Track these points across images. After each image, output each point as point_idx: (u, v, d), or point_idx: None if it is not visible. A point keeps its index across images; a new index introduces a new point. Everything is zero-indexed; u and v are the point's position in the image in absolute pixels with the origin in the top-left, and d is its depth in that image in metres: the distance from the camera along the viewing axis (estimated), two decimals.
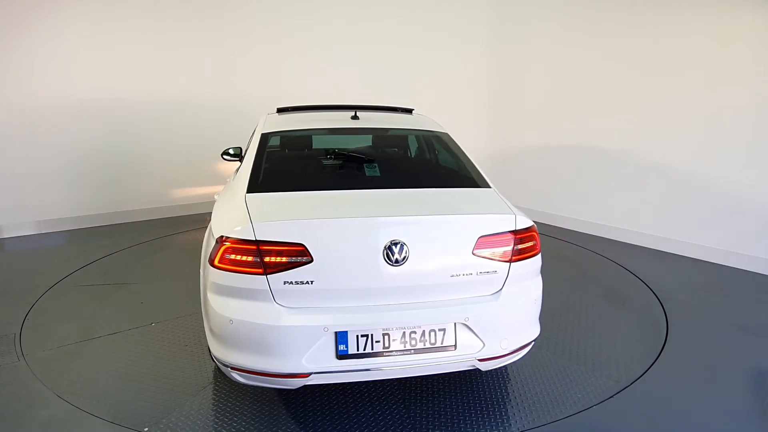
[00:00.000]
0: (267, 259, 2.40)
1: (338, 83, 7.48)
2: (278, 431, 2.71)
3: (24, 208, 6.12)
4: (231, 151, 4.28)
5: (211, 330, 2.59)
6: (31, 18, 5.86)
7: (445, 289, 2.56)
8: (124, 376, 3.21)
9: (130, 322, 3.90)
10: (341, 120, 3.74)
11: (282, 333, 2.38)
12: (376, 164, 3.21)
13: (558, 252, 5.92)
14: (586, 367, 3.37)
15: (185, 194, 7.14)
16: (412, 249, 2.47)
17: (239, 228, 2.46)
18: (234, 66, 7.09)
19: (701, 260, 5.57)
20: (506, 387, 3.13)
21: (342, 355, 2.42)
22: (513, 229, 2.64)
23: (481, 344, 2.55)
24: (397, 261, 2.45)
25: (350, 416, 2.83)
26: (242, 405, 2.92)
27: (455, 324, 2.52)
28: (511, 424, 2.79)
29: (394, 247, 2.44)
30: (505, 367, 3.27)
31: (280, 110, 4.15)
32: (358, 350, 2.44)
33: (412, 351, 2.48)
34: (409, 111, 4.23)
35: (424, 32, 7.61)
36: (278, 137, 3.51)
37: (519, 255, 2.66)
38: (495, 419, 2.83)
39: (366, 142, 3.77)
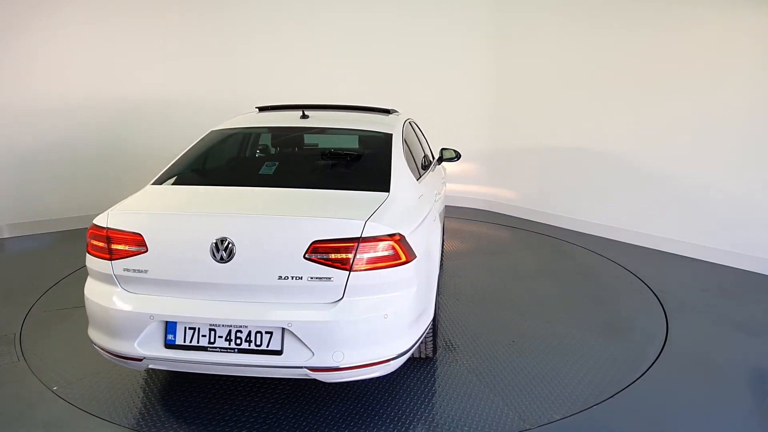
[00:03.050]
0: (113, 246, 2.59)
1: (339, 83, 7.48)
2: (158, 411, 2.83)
3: (24, 208, 6.13)
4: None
5: None
6: (31, 18, 5.86)
7: (274, 291, 2.48)
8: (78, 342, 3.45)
9: None
10: (291, 119, 3.84)
11: (113, 315, 2.56)
12: (276, 163, 3.34)
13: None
14: (499, 398, 3.00)
15: None
16: (239, 247, 2.46)
17: (100, 216, 2.72)
18: (234, 65, 7.10)
19: (701, 260, 5.57)
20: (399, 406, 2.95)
21: (169, 345, 2.50)
22: (357, 236, 2.45)
23: (310, 353, 2.44)
24: (222, 258, 2.46)
25: (221, 405, 2.89)
26: (151, 381, 3.09)
27: (283, 329, 2.46)
28: None
29: (220, 243, 2.46)
30: (429, 382, 3.17)
31: (260, 109, 4.23)
32: (184, 342, 2.50)
33: (236, 350, 2.47)
34: (387, 111, 4.20)
35: (424, 32, 7.60)
36: (223, 134, 3.67)
37: (364, 264, 2.47)
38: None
39: (313, 140, 3.94)
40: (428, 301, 2.94)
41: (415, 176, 3.44)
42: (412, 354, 3.22)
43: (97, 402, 2.93)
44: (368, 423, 2.80)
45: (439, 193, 3.87)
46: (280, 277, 2.45)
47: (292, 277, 2.45)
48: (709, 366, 3.47)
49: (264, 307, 2.49)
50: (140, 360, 2.55)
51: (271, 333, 2.47)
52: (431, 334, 3.20)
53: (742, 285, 4.95)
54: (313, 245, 2.44)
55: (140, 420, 2.79)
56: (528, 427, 2.80)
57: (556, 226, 6.88)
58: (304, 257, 2.44)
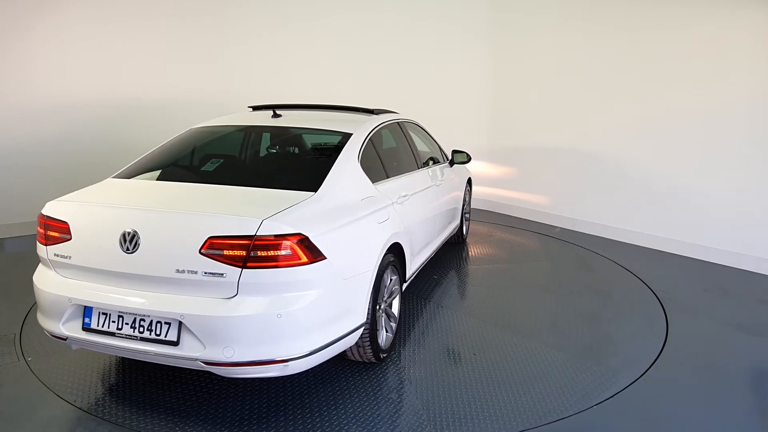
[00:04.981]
0: (48, 232, 2.80)
1: (339, 83, 7.48)
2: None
3: (24, 208, 6.12)
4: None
5: None
6: (32, 19, 5.86)
7: (172, 283, 2.55)
8: None
9: None
10: (262, 119, 3.94)
11: (44, 296, 2.77)
12: (221, 161, 3.48)
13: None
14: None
15: None
16: (144, 239, 2.58)
17: (46, 205, 2.87)
18: (234, 66, 7.10)
19: (701, 260, 5.57)
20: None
21: (86, 328, 2.67)
22: (251, 234, 2.46)
23: (202, 346, 2.48)
24: (128, 249, 2.58)
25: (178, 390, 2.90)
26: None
27: (180, 321, 2.52)
28: None
29: (127, 235, 2.60)
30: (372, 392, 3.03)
31: (254, 108, 4.30)
32: (98, 326, 2.65)
33: (139, 338, 2.58)
34: (371, 111, 4.19)
35: (424, 33, 7.60)
36: (196, 132, 3.83)
37: (258, 262, 2.47)
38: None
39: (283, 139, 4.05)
40: (350, 304, 2.87)
41: (373, 177, 3.41)
42: (353, 357, 3.21)
43: (98, 401, 2.93)
44: (274, 420, 2.75)
45: (407, 195, 3.72)
46: (177, 270, 2.52)
47: (188, 271, 2.51)
48: (710, 366, 3.47)
49: (162, 299, 2.57)
50: (65, 339, 2.74)
51: (169, 324, 2.56)
52: (368, 340, 3.08)
53: (742, 285, 4.95)
54: (210, 241, 2.50)
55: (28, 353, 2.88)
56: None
57: (556, 225, 6.88)
58: (200, 252, 2.50)
